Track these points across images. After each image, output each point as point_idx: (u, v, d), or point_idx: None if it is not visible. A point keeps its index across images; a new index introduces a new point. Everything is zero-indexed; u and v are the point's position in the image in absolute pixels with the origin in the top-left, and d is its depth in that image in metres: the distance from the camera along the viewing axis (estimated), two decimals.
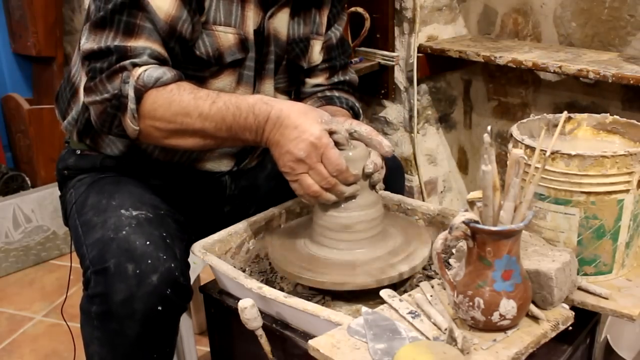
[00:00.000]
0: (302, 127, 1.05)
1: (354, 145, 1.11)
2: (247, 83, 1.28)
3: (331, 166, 1.05)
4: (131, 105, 1.10)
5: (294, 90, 1.42)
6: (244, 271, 1.19)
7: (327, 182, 1.06)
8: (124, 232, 1.09)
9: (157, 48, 1.12)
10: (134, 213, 1.14)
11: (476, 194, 0.94)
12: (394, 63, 2.19)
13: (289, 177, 1.08)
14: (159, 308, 1.06)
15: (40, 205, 2.43)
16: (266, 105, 1.08)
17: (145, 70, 1.09)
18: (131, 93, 1.09)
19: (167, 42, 1.13)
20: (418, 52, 2.16)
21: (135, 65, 1.09)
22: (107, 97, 1.10)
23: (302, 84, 1.43)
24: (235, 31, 1.22)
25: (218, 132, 1.10)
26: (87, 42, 1.13)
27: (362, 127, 1.13)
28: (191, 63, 1.19)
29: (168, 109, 1.10)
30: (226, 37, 1.21)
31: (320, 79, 1.44)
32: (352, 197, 1.11)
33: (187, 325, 1.50)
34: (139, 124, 1.12)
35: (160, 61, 1.13)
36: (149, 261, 1.05)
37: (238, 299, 1.01)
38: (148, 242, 1.08)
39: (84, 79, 1.26)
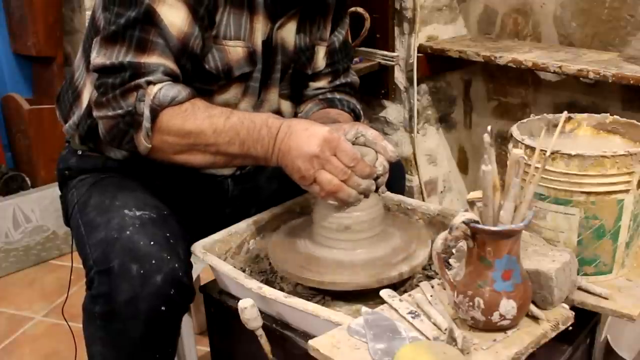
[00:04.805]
0: (311, 129, 1.08)
1: (365, 153, 1.11)
2: (253, 93, 1.29)
3: (347, 157, 1.06)
4: (146, 124, 1.10)
5: (296, 94, 1.43)
6: (244, 271, 1.19)
7: (343, 173, 1.06)
8: (127, 232, 1.09)
9: (170, 64, 1.12)
10: (138, 213, 1.14)
11: (476, 194, 0.94)
12: (394, 63, 2.19)
13: (306, 182, 1.08)
14: (163, 308, 1.06)
15: (40, 205, 2.43)
16: (278, 119, 1.12)
17: (160, 89, 1.09)
18: (147, 112, 1.09)
19: (179, 58, 1.13)
20: (418, 52, 2.17)
21: (150, 83, 1.09)
22: (120, 114, 1.10)
23: (305, 88, 1.43)
24: (244, 44, 1.22)
25: (230, 147, 1.11)
26: (98, 57, 1.13)
27: (369, 132, 1.15)
28: (199, 77, 1.19)
29: (182, 126, 1.11)
30: (235, 50, 1.21)
31: (322, 82, 1.44)
32: (366, 194, 1.11)
33: (187, 325, 1.50)
34: (151, 141, 1.12)
35: (173, 78, 1.12)
36: (153, 261, 1.05)
37: (238, 299, 1.01)
38: (152, 243, 1.08)
39: (88, 85, 1.27)
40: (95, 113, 1.15)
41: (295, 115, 1.42)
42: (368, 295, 1.09)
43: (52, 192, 2.42)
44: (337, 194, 1.08)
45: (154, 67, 1.10)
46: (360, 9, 2.14)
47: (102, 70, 1.12)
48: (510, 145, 1.10)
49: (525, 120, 1.15)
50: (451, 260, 1.07)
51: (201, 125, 1.11)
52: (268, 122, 1.11)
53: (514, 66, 1.96)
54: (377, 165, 1.12)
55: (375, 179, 1.12)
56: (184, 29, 1.12)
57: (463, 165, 2.52)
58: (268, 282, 1.20)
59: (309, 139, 1.06)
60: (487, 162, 0.89)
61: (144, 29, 1.10)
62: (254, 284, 1.05)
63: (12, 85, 2.67)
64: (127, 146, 1.15)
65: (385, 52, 2.19)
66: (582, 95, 2.11)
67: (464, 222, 0.89)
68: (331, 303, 1.12)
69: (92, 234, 1.15)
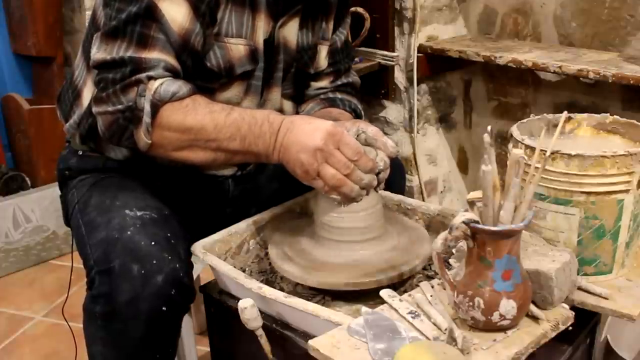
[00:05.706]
0: (315, 123, 1.08)
1: (367, 151, 1.11)
2: (255, 92, 1.29)
3: (351, 151, 1.06)
4: (146, 119, 1.09)
5: (298, 94, 1.43)
6: (244, 271, 1.19)
7: (346, 167, 1.06)
8: (128, 232, 1.09)
9: (171, 60, 1.12)
10: (139, 213, 1.14)
11: (476, 194, 0.94)
12: (394, 63, 2.19)
13: (309, 177, 1.08)
14: (164, 308, 1.06)
15: (40, 205, 2.43)
16: (279, 115, 1.12)
17: (161, 84, 1.09)
18: (147, 107, 1.09)
19: (180, 54, 1.13)
20: (418, 52, 2.17)
21: (150, 78, 1.09)
22: (120, 109, 1.10)
23: (306, 88, 1.43)
24: (246, 42, 1.22)
25: (231, 143, 1.11)
26: (99, 52, 1.12)
27: (369, 129, 1.15)
28: (201, 75, 1.19)
29: (183, 122, 1.10)
30: (237, 48, 1.21)
31: (324, 82, 1.44)
32: (368, 189, 1.10)
33: (187, 325, 1.50)
34: (151, 137, 1.11)
35: (173, 74, 1.12)
36: (154, 261, 1.05)
37: (238, 299, 1.01)
38: (153, 243, 1.08)
39: (88, 84, 1.26)
40: (94, 109, 1.14)
41: (296, 114, 1.42)
42: (368, 295, 1.09)
43: (52, 192, 2.42)
44: (340, 189, 1.07)
45: (154, 62, 1.10)
46: (360, 9, 2.14)
47: (103, 65, 1.12)
48: (510, 145, 1.10)
49: (525, 120, 1.15)
50: (451, 260, 1.07)
51: (202, 121, 1.10)
52: (269, 117, 1.11)
53: (514, 66, 1.96)
54: (378, 161, 1.11)
55: (377, 175, 1.12)
56: (185, 25, 1.12)
57: (463, 165, 2.52)
58: (268, 282, 1.20)
59: (312, 132, 1.06)
60: (487, 162, 0.89)
61: (145, 24, 1.10)
62: (254, 284, 1.05)
63: (12, 85, 2.67)
64: (127, 142, 1.15)
65: (385, 52, 2.19)
66: (582, 95, 2.11)
67: (464, 222, 0.89)
68: (331, 303, 1.12)
69: (93, 234, 1.15)
